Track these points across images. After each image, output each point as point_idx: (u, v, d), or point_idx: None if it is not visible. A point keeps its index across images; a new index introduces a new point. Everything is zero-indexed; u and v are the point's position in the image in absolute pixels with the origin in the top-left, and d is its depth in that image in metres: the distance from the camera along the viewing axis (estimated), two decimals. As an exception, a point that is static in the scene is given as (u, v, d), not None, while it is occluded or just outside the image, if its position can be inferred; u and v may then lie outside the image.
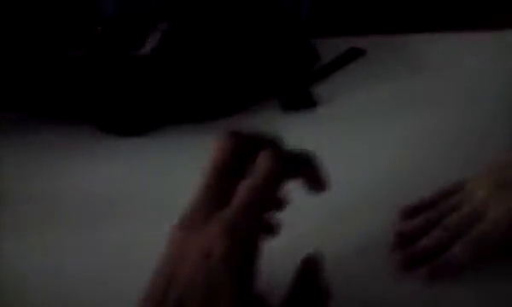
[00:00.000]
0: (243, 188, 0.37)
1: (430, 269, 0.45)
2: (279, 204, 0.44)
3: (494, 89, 0.66)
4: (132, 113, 0.65)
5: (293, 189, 0.42)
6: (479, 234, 0.45)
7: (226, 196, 0.37)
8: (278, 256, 0.42)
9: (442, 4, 0.85)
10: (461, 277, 0.45)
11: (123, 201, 0.56)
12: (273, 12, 0.70)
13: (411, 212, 0.51)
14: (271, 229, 0.44)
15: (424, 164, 0.57)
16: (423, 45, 0.76)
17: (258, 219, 0.37)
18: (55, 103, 0.65)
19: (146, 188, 0.58)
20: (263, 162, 0.38)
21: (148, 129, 0.65)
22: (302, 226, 0.50)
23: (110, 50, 0.64)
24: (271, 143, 0.40)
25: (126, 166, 0.61)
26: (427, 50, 0.75)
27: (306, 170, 0.42)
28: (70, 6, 0.67)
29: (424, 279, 0.45)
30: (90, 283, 0.48)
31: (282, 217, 0.45)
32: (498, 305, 0.43)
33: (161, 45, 0.63)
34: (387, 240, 0.48)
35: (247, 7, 0.68)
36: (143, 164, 0.62)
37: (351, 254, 0.48)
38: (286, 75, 0.69)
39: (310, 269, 0.40)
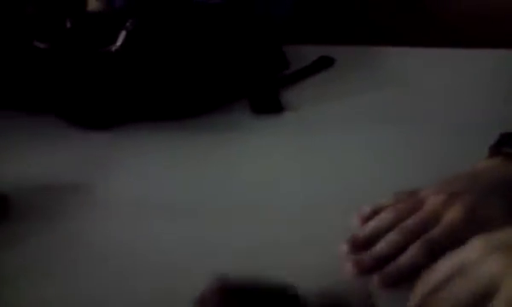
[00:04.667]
0: None
1: (383, 274, 0.46)
2: None
3: (462, 104, 0.67)
4: (99, 107, 0.64)
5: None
6: (432, 236, 0.46)
7: None
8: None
9: (414, 20, 0.86)
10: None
11: (91, 193, 0.56)
12: (246, 14, 0.71)
13: (368, 217, 0.52)
14: None
15: (383, 174, 0.58)
16: (393, 58, 0.77)
17: None
18: (18, 94, 0.64)
19: (110, 181, 0.58)
20: None
21: (115, 123, 0.65)
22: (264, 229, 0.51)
23: (78, 44, 0.64)
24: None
25: (92, 159, 0.61)
26: (396, 63, 0.76)
27: None
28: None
29: (378, 285, 0.46)
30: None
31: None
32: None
33: (128, 42, 0.63)
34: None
35: (220, 8, 0.68)
36: (108, 157, 0.61)
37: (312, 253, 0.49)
38: (255, 78, 0.69)
39: None
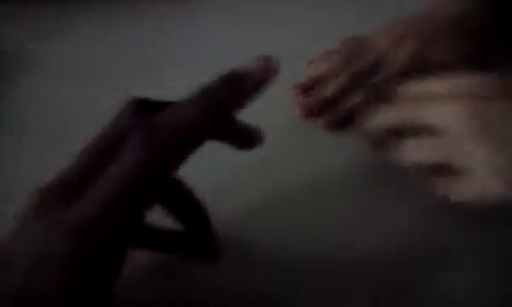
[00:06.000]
0: (104, 181, 0.28)
1: (329, 117, 0.46)
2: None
3: None
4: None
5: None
6: (380, 80, 0.46)
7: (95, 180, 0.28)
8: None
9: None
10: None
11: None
12: None
13: (316, 63, 0.51)
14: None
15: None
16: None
17: (122, 222, 0.27)
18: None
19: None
20: (130, 149, 0.28)
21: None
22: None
23: None
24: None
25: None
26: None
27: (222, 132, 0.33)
28: None
29: (323, 127, 0.46)
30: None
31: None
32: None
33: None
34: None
35: None
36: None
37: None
38: None
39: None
